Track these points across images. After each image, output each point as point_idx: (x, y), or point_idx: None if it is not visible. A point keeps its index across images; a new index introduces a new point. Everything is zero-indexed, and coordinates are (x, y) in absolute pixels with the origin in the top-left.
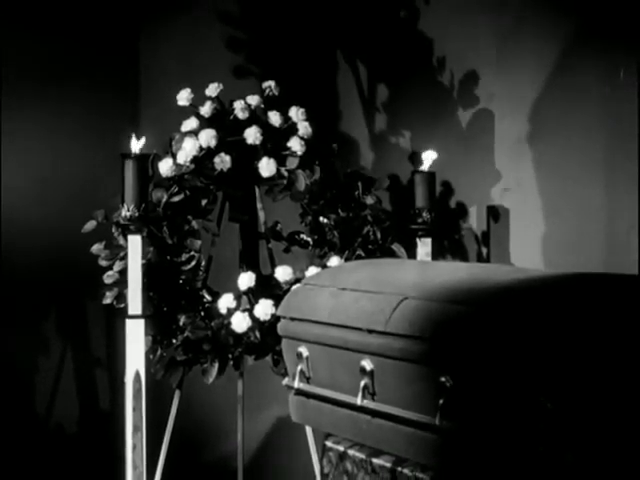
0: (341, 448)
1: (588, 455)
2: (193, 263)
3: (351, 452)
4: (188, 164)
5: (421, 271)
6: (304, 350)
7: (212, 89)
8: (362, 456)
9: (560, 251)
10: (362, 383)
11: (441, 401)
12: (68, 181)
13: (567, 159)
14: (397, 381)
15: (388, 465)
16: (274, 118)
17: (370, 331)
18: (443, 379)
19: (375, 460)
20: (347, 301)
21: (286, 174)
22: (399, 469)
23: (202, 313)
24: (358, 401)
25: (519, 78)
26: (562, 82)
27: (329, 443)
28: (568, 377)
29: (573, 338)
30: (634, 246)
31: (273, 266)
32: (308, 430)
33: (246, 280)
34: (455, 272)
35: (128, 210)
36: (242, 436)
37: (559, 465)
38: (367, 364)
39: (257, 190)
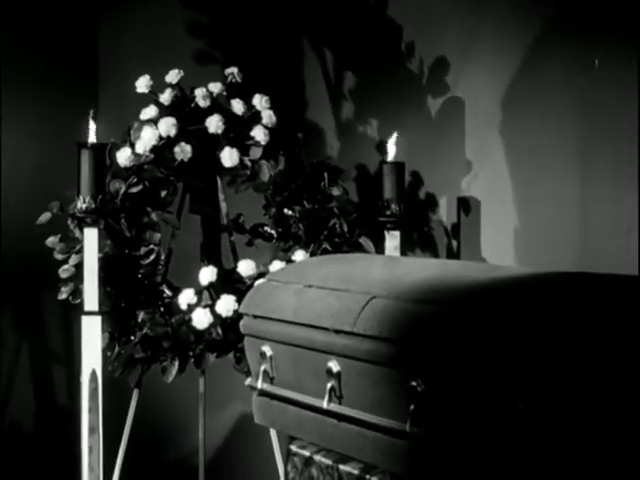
0: (307, 453)
1: (569, 465)
2: (152, 257)
3: (317, 458)
4: (147, 154)
5: (390, 268)
6: (268, 349)
7: (172, 76)
8: (329, 462)
9: (533, 244)
10: (328, 385)
11: (412, 406)
12: (22, 171)
13: (541, 149)
14: (365, 384)
15: (356, 472)
16: (237, 106)
17: (337, 331)
18: (414, 383)
19: (342, 467)
20: (313, 299)
21: (249, 164)
22: (367, 477)
23: (162, 309)
24: (324, 404)
25: (491, 65)
26: (535, 70)
27: (294, 447)
28: (548, 382)
29: (553, 340)
30: (612, 241)
31: (236, 260)
32: (272, 430)
33: (207, 275)
34: (426, 269)
35: (84, 202)
36: (204, 435)
37: (538, 476)
38: (334, 366)
39: (219, 181)
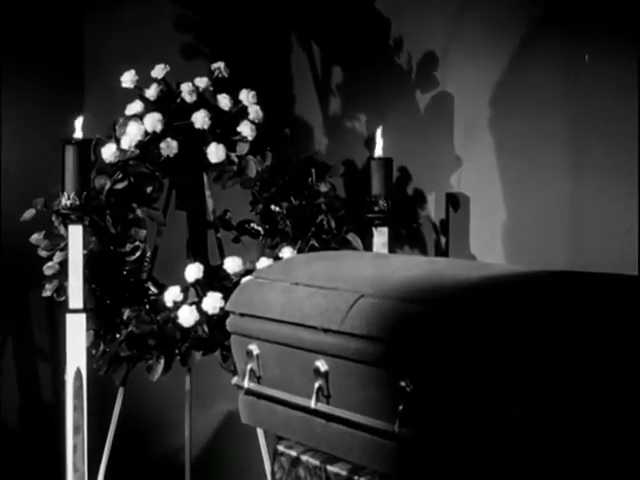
0: (294, 453)
1: (562, 468)
2: (138, 254)
3: (304, 458)
4: (133, 149)
5: (379, 266)
6: (254, 348)
7: (158, 70)
8: (316, 462)
9: (523, 241)
10: (316, 385)
11: (400, 407)
12: (6, 167)
13: (531, 145)
14: (354, 384)
15: (344, 473)
16: (223, 101)
17: (325, 330)
18: (403, 383)
19: (330, 467)
20: (300, 297)
21: (236, 160)
22: (355, 477)
23: (147, 306)
24: (312, 404)
25: (479, 60)
26: (525, 65)
27: (281, 447)
28: (541, 384)
29: (544, 341)
30: (603, 238)
31: (222, 257)
32: (259, 429)
33: (194, 271)
34: (415, 267)
35: (68, 198)
36: (190, 433)
37: (530, 478)
38: (322, 365)
39: (205, 177)
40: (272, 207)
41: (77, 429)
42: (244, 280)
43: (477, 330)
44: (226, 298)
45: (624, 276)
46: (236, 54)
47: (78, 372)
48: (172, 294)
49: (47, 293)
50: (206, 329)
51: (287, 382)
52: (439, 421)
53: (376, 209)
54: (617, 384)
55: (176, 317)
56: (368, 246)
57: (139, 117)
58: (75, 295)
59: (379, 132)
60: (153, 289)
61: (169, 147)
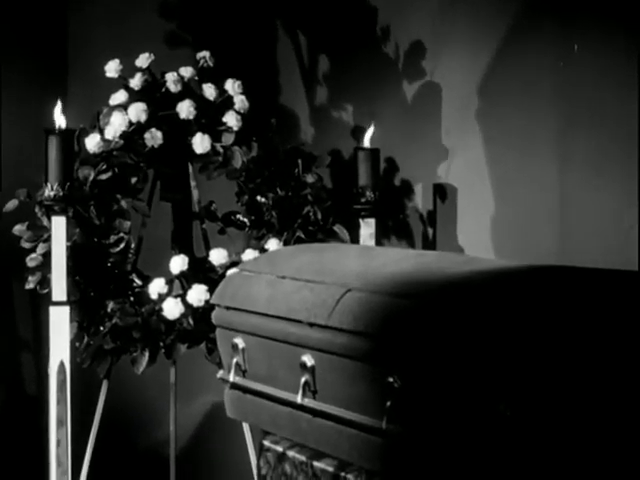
0: (280, 449)
1: (550, 465)
2: (122, 245)
3: (291, 453)
4: (117, 140)
5: (366, 259)
6: (240, 341)
7: (142, 60)
8: (302, 458)
9: (510, 232)
10: (302, 380)
11: (388, 403)
12: None
13: (519, 135)
14: (341, 379)
15: (330, 469)
16: (209, 91)
17: (311, 324)
18: (390, 379)
19: (316, 463)
20: (287, 291)
21: (221, 151)
22: (342, 474)
23: (132, 298)
24: (298, 399)
25: (468, 49)
26: (514, 55)
27: (267, 442)
28: (529, 382)
29: (534, 337)
30: (594, 231)
31: (207, 248)
32: (245, 423)
33: (179, 263)
34: (403, 261)
35: (52, 189)
36: (174, 426)
37: (518, 476)
38: (308, 360)
39: (190, 167)
40: (258, 198)
41: (61, 423)
42: (230, 273)
43: (466, 326)
44: (211, 290)
45: (617, 271)
46: (221, 43)
47: (62, 365)
48: (157, 286)
49: (30, 285)
50: (191, 322)
51: (273, 376)
52: (427, 418)
53: (363, 200)
54: (608, 381)
55: (161, 309)
56: (355, 237)
57: (123, 107)
58: (58, 287)
59: (371, 127)
60: (137, 281)
61: (154, 137)
